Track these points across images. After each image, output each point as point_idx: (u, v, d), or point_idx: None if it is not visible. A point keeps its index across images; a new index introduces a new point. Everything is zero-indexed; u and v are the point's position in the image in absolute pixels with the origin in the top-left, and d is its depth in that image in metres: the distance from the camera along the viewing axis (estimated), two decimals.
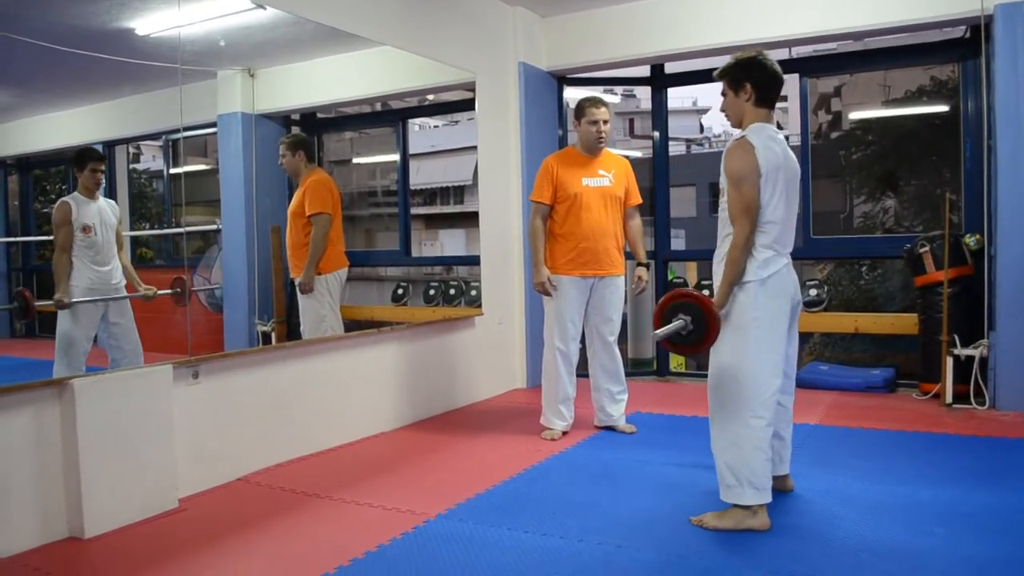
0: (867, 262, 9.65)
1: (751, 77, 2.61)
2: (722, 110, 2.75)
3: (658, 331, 2.59)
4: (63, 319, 3.19)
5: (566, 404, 3.91)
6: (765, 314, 2.55)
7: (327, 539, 2.61)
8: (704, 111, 27.81)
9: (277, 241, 4.19)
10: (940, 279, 4.41)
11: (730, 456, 2.57)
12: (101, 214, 3.29)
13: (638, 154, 14.22)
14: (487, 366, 4.97)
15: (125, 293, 3.37)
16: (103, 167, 3.37)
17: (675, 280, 5.73)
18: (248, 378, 3.40)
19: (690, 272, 10.66)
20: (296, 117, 4.62)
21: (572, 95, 5.60)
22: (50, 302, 3.18)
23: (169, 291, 3.53)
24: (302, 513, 2.87)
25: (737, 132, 2.65)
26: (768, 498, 2.56)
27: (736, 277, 2.57)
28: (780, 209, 2.56)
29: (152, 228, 4.14)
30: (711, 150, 22.65)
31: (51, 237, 3.31)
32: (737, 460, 2.55)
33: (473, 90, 4.85)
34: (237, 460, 3.31)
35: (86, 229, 3.24)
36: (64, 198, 3.26)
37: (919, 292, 4.62)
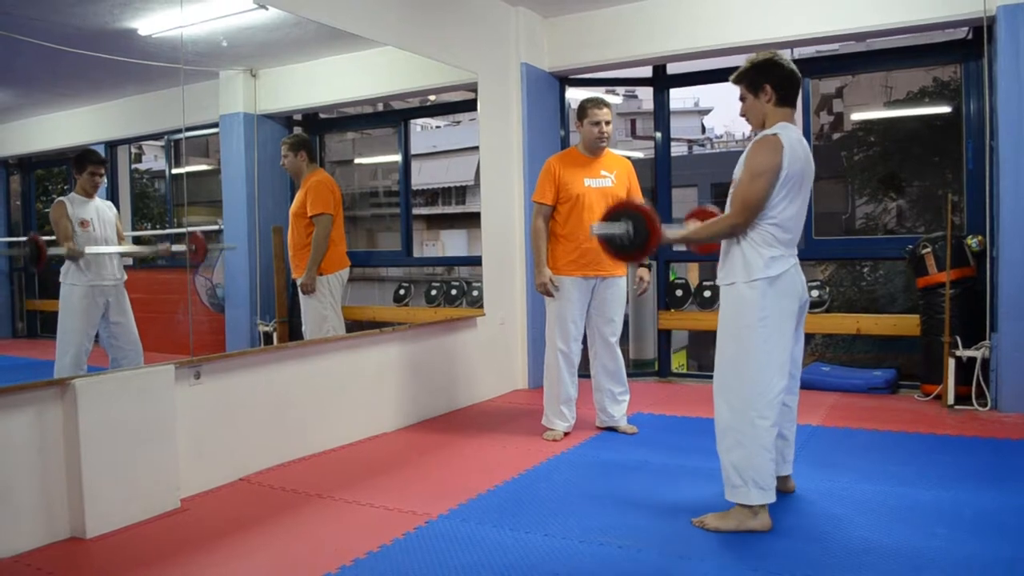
0: (869, 263, 9.65)
1: (770, 78, 2.60)
2: (742, 114, 2.72)
3: (596, 226, 2.71)
4: (64, 315, 3.20)
5: (568, 405, 3.91)
6: (773, 313, 2.54)
7: (329, 539, 2.62)
8: (706, 112, 27.80)
9: (279, 241, 4.19)
10: (942, 280, 4.41)
11: (736, 456, 2.56)
12: (98, 212, 3.31)
13: (640, 155, 14.21)
14: (489, 367, 4.97)
15: (125, 291, 3.37)
16: (103, 171, 3.38)
17: (676, 280, 5.73)
18: (250, 378, 3.40)
19: (691, 272, 10.67)
20: (298, 117, 4.62)
21: (574, 96, 5.61)
22: (61, 250, 3.18)
23: (183, 247, 3.53)
24: (304, 513, 2.87)
25: (768, 130, 2.59)
26: (772, 498, 2.55)
27: (702, 240, 2.66)
28: (790, 211, 2.55)
29: (154, 228, 4.14)
30: (713, 151, 22.66)
31: (52, 237, 3.31)
32: (743, 460, 2.54)
33: (475, 91, 4.85)
34: (239, 460, 3.32)
35: (84, 223, 3.25)
36: (60, 198, 3.28)
37: (921, 293, 4.62)
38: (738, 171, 2.61)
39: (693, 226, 2.79)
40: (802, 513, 2.73)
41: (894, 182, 10.53)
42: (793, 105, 2.65)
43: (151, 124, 3.87)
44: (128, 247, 3.38)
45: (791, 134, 2.55)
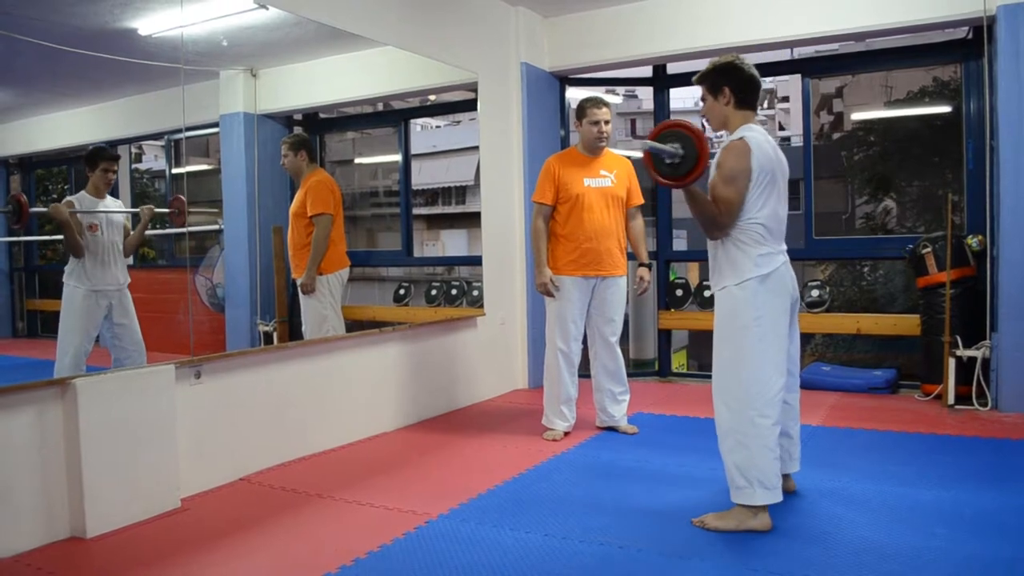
0: (869, 263, 9.65)
1: (729, 81, 2.65)
2: (702, 115, 2.80)
3: (648, 141, 2.60)
4: (66, 316, 3.20)
5: (568, 405, 3.91)
6: (767, 312, 2.55)
7: (329, 539, 2.62)
8: None
9: (279, 241, 4.19)
10: (942, 280, 4.41)
11: (738, 457, 2.56)
12: (107, 213, 3.30)
13: (640, 155, 14.20)
14: (489, 366, 4.97)
15: (128, 294, 3.37)
16: (116, 167, 3.35)
17: (676, 280, 5.73)
18: (250, 378, 3.40)
19: (692, 272, 10.67)
20: (298, 117, 4.62)
21: (574, 95, 5.61)
22: (43, 209, 3.18)
23: (167, 210, 3.56)
24: (304, 513, 2.87)
25: (735, 133, 2.64)
26: (779, 497, 2.55)
27: (693, 208, 2.59)
28: (768, 208, 2.58)
29: (154, 228, 4.14)
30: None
31: (52, 237, 3.31)
32: (746, 460, 2.54)
33: (475, 90, 4.85)
34: (239, 460, 3.32)
35: (92, 227, 3.24)
36: (68, 197, 3.26)
37: (921, 293, 4.62)
38: (712, 175, 2.64)
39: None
40: (802, 513, 2.73)
41: (894, 182, 10.53)
42: (754, 108, 2.69)
43: (151, 124, 3.87)
44: (112, 209, 3.33)
45: (757, 135, 2.60)
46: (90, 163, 3.28)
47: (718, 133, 2.86)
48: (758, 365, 2.54)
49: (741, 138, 2.58)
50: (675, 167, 2.57)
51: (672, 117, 5.77)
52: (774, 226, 2.61)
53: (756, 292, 2.55)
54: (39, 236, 3.67)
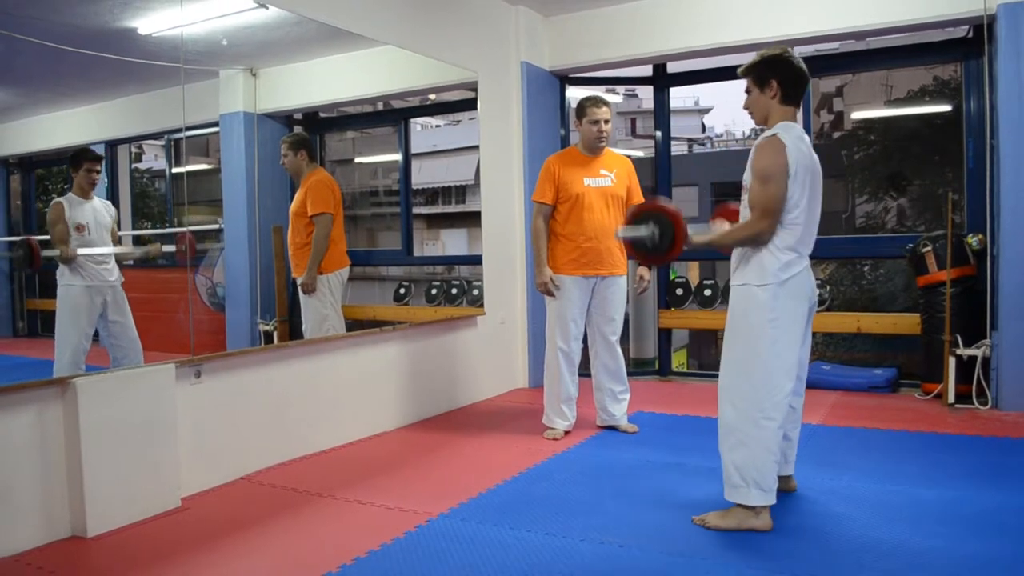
0: (869, 262, 9.66)
1: (777, 74, 2.57)
2: (745, 107, 2.70)
3: (621, 231, 2.66)
4: (61, 315, 3.20)
5: (568, 404, 3.91)
6: (783, 316, 2.52)
7: (330, 538, 2.62)
8: (706, 111, 27.80)
9: (279, 241, 4.20)
10: (943, 279, 4.41)
11: (738, 456, 2.55)
12: (95, 214, 3.31)
13: (640, 154, 14.22)
14: (489, 366, 4.97)
15: (123, 291, 3.37)
16: (99, 167, 3.38)
17: (677, 279, 5.73)
18: (251, 377, 3.40)
19: (691, 271, 10.67)
20: (298, 116, 4.62)
21: (574, 95, 5.61)
22: (54, 252, 3.20)
23: (172, 247, 3.56)
24: (305, 512, 2.87)
25: (769, 130, 2.58)
26: (773, 500, 2.55)
27: (724, 247, 2.61)
28: (805, 211, 2.53)
29: (154, 228, 4.14)
30: (713, 150, 22.67)
31: (46, 237, 3.32)
32: (745, 460, 2.53)
33: (475, 90, 4.85)
34: (240, 459, 3.32)
35: (80, 228, 3.25)
36: (58, 198, 3.28)
37: (921, 292, 4.62)
38: (747, 178, 2.59)
39: (719, 226, 2.77)
40: (803, 512, 2.73)
41: (894, 181, 10.54)
42: (798, 104, 2.62)
43: (151, 123, 3.87)
44: (119, 249, 3.38)
45: (792, 133, 2.53)
46: (74, 164, 3.32)
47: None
48: (769, 367, 2.53)
49: (774, 135, 2.51)
50: (655, 246, 2.61)
51: (671, 114, 5.79)
52: (809, 229, 2.57)
53: (775, 295, 2.52)
54: (39, 236, 3.68)
